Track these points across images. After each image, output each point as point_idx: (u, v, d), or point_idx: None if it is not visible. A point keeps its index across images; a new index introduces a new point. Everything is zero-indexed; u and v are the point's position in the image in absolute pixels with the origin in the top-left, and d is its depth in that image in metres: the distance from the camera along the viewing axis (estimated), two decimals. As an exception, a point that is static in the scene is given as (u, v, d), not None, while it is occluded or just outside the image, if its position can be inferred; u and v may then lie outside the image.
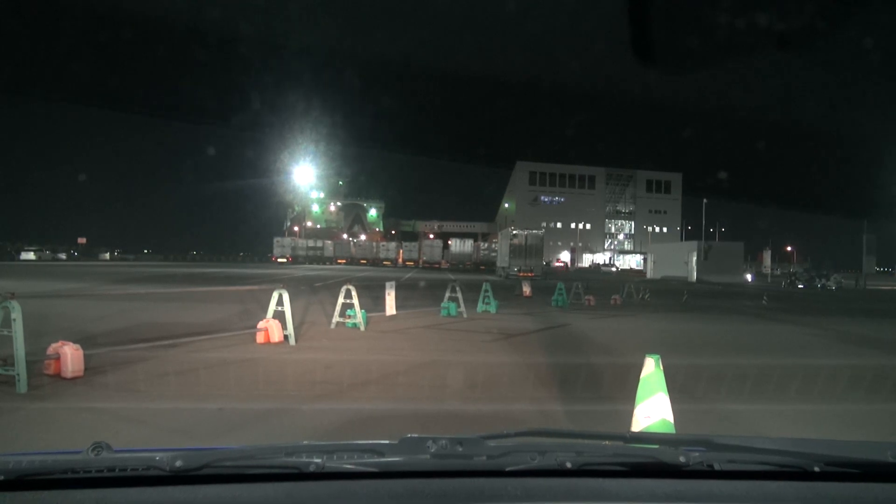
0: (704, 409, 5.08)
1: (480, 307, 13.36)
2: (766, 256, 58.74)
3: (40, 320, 8.60)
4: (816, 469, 1.33)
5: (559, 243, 70.46)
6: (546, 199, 73.64)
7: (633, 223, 76.75)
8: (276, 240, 61.86)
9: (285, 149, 74.14)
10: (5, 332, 5.12)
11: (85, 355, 5.70)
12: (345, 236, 71.11)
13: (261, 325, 7.96)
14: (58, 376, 5.48)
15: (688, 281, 40.92)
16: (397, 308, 12.00)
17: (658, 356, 3.56)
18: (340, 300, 9.68)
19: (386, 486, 1.24)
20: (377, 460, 1.30)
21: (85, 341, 6.14)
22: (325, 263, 56.88)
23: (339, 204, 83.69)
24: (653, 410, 3.46)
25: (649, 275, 49.58)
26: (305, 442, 1.44)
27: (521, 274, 32.34)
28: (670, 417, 3.49)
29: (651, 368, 3.54)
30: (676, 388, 3.58)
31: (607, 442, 1.57)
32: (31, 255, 51.04)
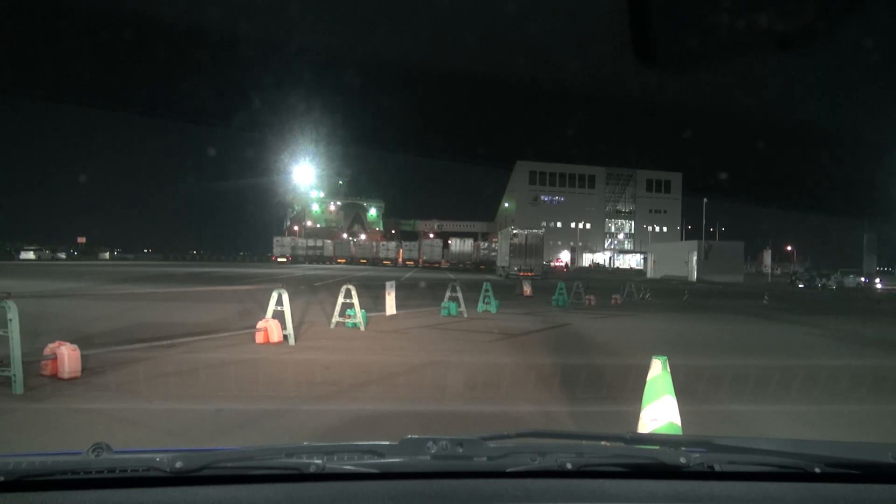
0: (706, 409, 5.07)
1: (481, 307, 13.36)
2: (767, 256, 58.75)
3: (38, 320, 8.60)
4: (817, 470, 1.33)
5: (559, 243, 70.46)
6: (546, 199, 73.64)
7: (633, 223, 76.73)
8: (276, 239, 61.79)
9: (285, 149, 74.26)
10: (1, 333, 5.10)
11: (82, 356, 5.69)
12: (345, 236, 71.06)
13: (260, 324, 7.95)
14: (55, 377, 5.46)
15: (688, 280, 40.92)
16: (397, 308, 12.00)
17: (665, 358, 3.52)
18: (340, 300, 9.67)
19: (386, 487, 1.24)
20: (377, 461, 1.30)
21: (82, 341, 6.13)
22: (324, 263, 56.87)
23: (338, 203, 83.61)
24: (660, 413, 3.40)
25: (649, 274, 49.57)
26: (305, 443, 1.43)
27: (522, 273, 32.31)
28: (678, 420, 3.42)
29: (658, 370, 3.48)
30: (678, 388, 3.56)
31: (608, 443, 1.56)
32: (30, 255, 50.95)
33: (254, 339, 7.84)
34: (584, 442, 1.58)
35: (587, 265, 70.06)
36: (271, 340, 7.83)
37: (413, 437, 1.36)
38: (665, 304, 18.82)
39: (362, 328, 9.54)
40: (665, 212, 74.94)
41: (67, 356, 5.49)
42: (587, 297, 16.92)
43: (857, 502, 1.27)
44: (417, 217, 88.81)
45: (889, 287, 37.00)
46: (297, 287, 19.00)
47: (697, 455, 1.35)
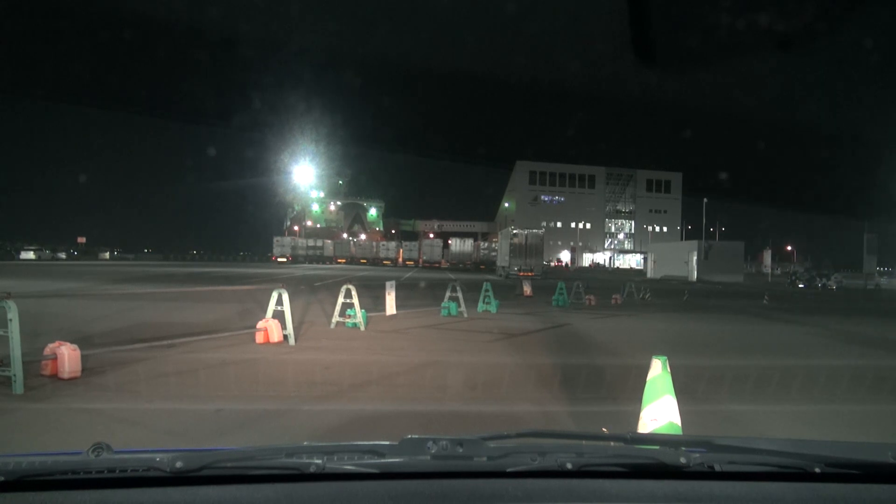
0: (706, 409, 5.07)
1: (481, 307, 13.36)
2: (767, 256, 58.81)
3: (38, 320, 8.60)
4: (817, 470, 1.33)
5: (559, 243, 70.47)
6: (546, 199, 73.65)
7: (633, 223, 76.73)
8: (276, 239, 61.78)
9: (285, 149, 74.23)
10: (1, 333, 5.10)
11: (82, 356, 5.69)
12: (345, 236, 71.07)
13: (260, 324, 7.94)
14: (55, 377, 5.47)
15: (688, 280, 40.93)
16: (397, 308, 12.00)
17: (665, 358, 3.52)
18: (340, 300, 9.67)
19: (386, 487, 1.24)
20: (377, 461, 1.30)
21: (82, 341, 6.13)
22: (324, 263, 56.89)
23: (339, 203, 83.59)
24: (660, 413, 3.41)
25: (649, 274, 49.58)
26: (306, 443, 1.43)
27: (522, 273, 32.32)
28: (678, 420, 3.43)
29: (658, 370, 3.49)
30: (678, 388, 3.56)
31: (608, 443, 1.56)
32: (30, 255, 51.00)
33: (254, 339, 7.84)
34: (584, 442, 1.58)
35: (587, 265, 70.07)
36: (271, 340, 7.83)
37: (413, 437, 1.36)
38: (665, 304, 18.82)
39: (362, 328, 9.53)
40: (665, 212, 74.95)
41: (67, 356, 5.49)
42: (587, 297, 16.93)
43: (857, 502, 1.27)
44: (417, 217, 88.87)
45: None
46: (297, 287, 19.00)
47: (697, 455, 1.35)
